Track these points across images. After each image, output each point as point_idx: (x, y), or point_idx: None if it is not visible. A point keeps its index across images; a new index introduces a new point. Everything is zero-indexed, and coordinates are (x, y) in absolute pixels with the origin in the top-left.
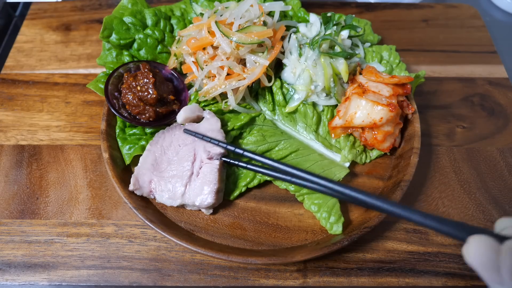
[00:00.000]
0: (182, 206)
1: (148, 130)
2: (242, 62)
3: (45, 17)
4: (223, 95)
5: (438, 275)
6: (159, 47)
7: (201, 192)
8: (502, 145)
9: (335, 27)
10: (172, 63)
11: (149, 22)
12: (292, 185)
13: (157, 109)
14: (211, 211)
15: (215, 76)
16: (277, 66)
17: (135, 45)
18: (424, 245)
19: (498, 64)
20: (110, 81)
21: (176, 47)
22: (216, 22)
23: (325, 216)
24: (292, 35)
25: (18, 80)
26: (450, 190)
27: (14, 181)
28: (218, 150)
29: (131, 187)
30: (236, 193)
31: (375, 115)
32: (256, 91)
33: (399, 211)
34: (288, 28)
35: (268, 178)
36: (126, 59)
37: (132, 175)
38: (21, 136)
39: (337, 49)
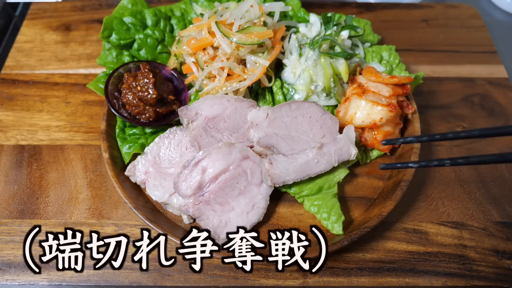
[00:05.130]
0: (165, 204)
1: (148, 130)
2: (242, 62)
3: (45, 17)
4: None
5: (438, 275)
6: (159, 47)
7: None
8: (502, 145)
9: (335, 27)
10: (172, 63)
11: (149, 22)
12: (292, 188)
13: (157, 109)
14: (191, 220)
15: (216, 77)
16: (277, 66)
17: (135, 45)
18: (424, 245)
19: (498, 64)
20: (110, 81)
21: (176, 48)
22: (216, 22)
23: (325, 216)
24: (292, 35)
25: (18, 80)
26: (450, 190)
27: (14, 181)
28: None
29: (126, 172)
30: None
31: (375, 115)
32: (256, 91)
33: None
34: (288, 28)
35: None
36: (126, 59)
37: (132, 162)
38: (21, 136)
39: (337, 49)
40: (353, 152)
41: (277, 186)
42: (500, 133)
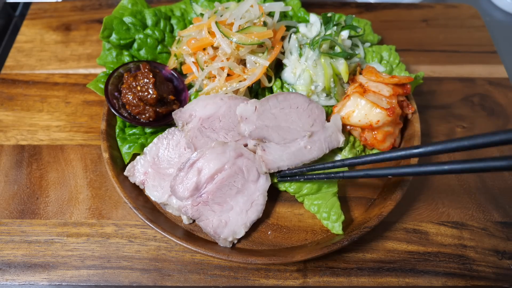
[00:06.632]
0: (164, 205)
1: (148, 130)
2: (242, 62)
3: (45, 17)
4: None
5: (438, 275)
6: (159, 47)
7: None
8: (504, 146)
9: (335, 27)
10: (172, 63)
11: (149, 22)
12: (292, 187)
13: (157, 109)
14: (191, 221)
15: (216, 77)
16: (278, 66)
17: (135, 45)
18: (424, 245)
19: (498, 64)
20: (110, 81)
21: (176, 48)
22: (216, 22)
23: (325, 216)
24: (292, 35)
25: (18, 80)
26: (450, 190)
27: (14, 181)
28: None
29: (126, 173)
30: None
31: (372, 117)
32: (256, 91)
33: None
34: (288, 28)
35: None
36: (126, 59)
37: (131, 162)
38: (21, 136)
39: (337, 49)
40: (341, 139)
41: (272, 171)
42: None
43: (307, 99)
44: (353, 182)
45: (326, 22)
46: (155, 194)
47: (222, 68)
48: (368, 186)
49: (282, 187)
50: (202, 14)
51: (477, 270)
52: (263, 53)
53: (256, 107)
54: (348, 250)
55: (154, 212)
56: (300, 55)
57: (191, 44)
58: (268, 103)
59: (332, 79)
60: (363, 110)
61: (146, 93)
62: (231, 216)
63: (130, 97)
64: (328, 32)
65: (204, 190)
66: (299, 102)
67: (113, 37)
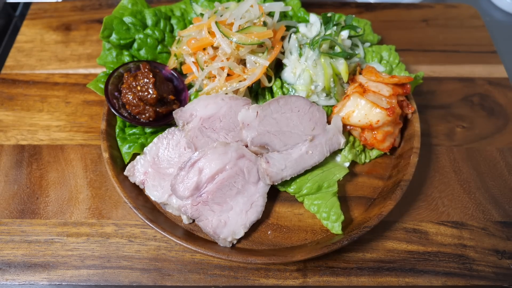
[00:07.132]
0: (164, 205)
1: (147, 130)
2: (242, 62)
3: (45, 17)
4: None
5: (438, 275)
6: (159, 47)
7: None
8: (502, 145)
9: (335, 27)
10: (172, 63)
11: (149, 22)
12: (291, 187)
13: (157, 109)
14: (191, 220)
15: (216, 77)
16: (277, 66)
17: (135, 45)
18: (424, 245)
19: (498, 64)
20: (110, 81)
21: (176, 47)
22: (216, 22)
23: (324, 216)
24: (292, 35)
25: (18, 80)
26: (450, 190)
27: (14, 181)
28: None
29: (126, 172)
30: None
31: (372, 117)
32: (256, 91)
33: None
34: (288, 28)
35: None
36: (126, 59)
37: (131, 162)
38: (21, 136)
39: (337, 49)
40: (342, 141)
41: (276, 183)
42: None
43: (308, 102)
44: (353, 182)
45: (326, 22)
46: (155, 194)
47: (222, 68)
48: (368, 186)
49: (282, 187)
50: (202, 14)
51: (477, 269)
52: (263, 53)
53: (257, 112)
54: (348, 249)
55: (154, 212)
56: (300, 55)
57: (191, 44)
58: (270, 108)
59: (332, 79)
60: (363, 110)
61: (146, 93)
62: (231, 217)
63: (130, 97)
64: (328, 32)
65: (204, 190)
66: (300, 105)
67: (113, 37)
